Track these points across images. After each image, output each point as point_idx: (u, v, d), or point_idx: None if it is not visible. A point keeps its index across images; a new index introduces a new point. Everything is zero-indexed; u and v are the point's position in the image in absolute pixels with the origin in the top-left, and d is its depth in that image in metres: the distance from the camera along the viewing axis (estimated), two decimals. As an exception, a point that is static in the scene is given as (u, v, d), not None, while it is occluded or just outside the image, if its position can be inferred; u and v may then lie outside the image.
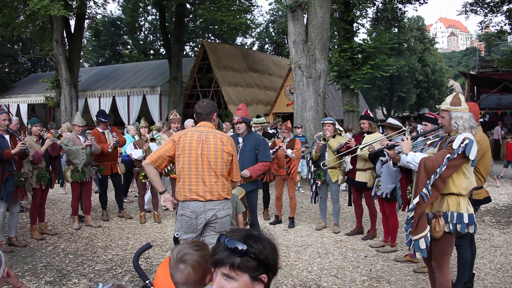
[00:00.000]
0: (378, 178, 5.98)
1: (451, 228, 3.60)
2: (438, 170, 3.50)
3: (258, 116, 8.40)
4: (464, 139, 3.47)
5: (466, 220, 3.58)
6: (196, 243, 2.09)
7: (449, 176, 3.54)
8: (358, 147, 6.02)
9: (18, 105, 25.12)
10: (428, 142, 4.46)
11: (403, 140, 3.95)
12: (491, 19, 22.38)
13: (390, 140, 5.36)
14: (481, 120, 7.51)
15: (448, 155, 3.48)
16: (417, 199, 3.61)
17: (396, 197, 5.55)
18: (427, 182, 3.55)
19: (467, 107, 3.64)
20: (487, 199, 4.84)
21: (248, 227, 4.91)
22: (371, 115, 6.84)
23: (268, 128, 8.32)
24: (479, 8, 21.52)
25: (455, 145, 3.49)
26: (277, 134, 9.70)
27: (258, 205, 7.76)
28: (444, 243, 3.68)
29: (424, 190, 3.55)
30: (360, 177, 6.49)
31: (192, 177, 3.79)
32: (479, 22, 23.29)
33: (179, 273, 1.97)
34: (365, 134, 6.55)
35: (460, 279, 4.45)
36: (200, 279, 1.90)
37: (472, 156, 3.46)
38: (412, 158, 3.78)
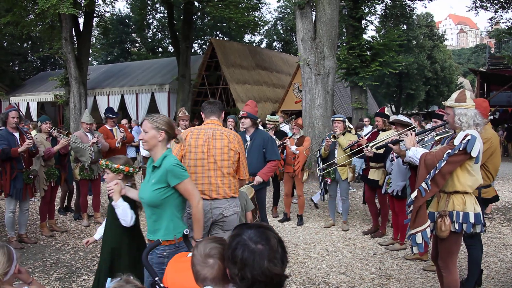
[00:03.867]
0: (388, 176, 5.95)
1: (457, 228, 3.56)
2: (437, 165, 3.48)
3: (273, 114, 8.35)
4: (466, 136, 3.43)
5: (472, 220, 3.53)
6: (216, 238, 2.08)
7: (449, 172, 3.50)
8: (368, 145, 5.98)
9: (27, 103, 25.28)
10: (437, 138, 4.43)
11: (407, 136, 3.94)
12: (501, 15, 22.18)
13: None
14: (491, 117, 7.37)
15: (449, 151, 3.46)
16: (415, 193, 3.60)
17: (407, 195, 5.52)
18: (427, 177, 3.53)
19: (473, 104, 3.60)
20: (496, 198, 4.75)
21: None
22: (386, 112, 6.76)
23: (282, 126, 8.25)
24: (489, 4, 21.31)
25: (456, 141, 3.47)
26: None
27: (267, 202, 7.76)
28: (450, 242, 3.64)
29: (423, 185, 3.54)
30: (373, 175, 6.46)
31: (198, 175, 3.76)
32: (489, 19, 23.01)
33: (209, 268, 1.94)
34: (380, 132, 6.51)
35: (471, 279, 4.42)
36: (226, 273, 1.89)
37: (474, 153, 3.41)
38: (413, 154, 3.76)
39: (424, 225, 3.61)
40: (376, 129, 6.68)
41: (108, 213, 3.54)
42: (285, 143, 7.29)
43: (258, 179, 5.26)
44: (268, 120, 8.29)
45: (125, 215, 3.33)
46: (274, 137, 7.77)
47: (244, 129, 5.61)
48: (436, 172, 3.48)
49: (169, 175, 3.02)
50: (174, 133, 3.21)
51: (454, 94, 3.71)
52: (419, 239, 3.62)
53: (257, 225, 1.83)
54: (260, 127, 7.83)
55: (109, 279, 2.13)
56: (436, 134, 4.80)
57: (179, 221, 3.14)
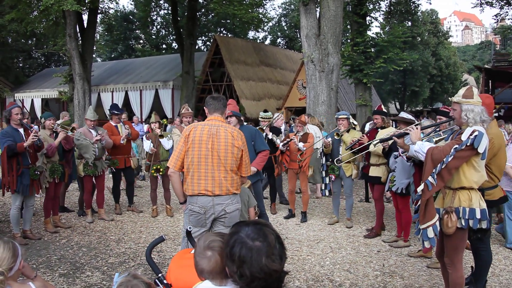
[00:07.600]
0: (392, 173, 5.93)
1: (463, 224, 3.55)
2: (444, 159, 3.47)
3: (265, 111, 8.36)
4: (473, 131, 3.43)
5: (478, 216, 3.53)
6: (221, 234, 2.09)
7: (456, 167, 3.49)
8: (371, 143, 5.97)
9: (32, 99, 25.39)
10: (435, 139, 4.40)
11: (412, 129, 3.92)
12: (507, 12, 22.02)
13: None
14: (496, 114, 7.27)
15: (456, 146, 3.45)
16: (421, 187, 3.59)
17: (410, 192, 5.51)
18: (433, 171, 3.52)
19: (480, 100, 3.59)
20: (503, 199, 4.56)
21: (256, 218, 4.91)
22: (384, 110, 6.78)
23: (273, 123, 8.27)
24: (494, 1, 21.18)
25: (463, 137, 3.46)
26: (290, 129, 9.59)
27: (266, 200, 7.75)
28: (456, 239, 3.64)
29: (430, 179, 3.53)
30: (374, 172, 6.44)
31: (201, 171, 3.76)
32: (495, 15, 22.89)
33: (206, 260, 1.95)
34: (379, 129, 6.50)
35: (480, 280, 4.38)
36: (224, 269, 1.89)
37: (481, 149, 3.41)
38: (420, 147, 3.74)
39: (434, 219, 3.59)
40: (375, 127, 6.66)
41: None
42: (292, 139, 7.28)
43: (252, 169, 5.31)
44: (261, 117, 8.28)
45: None
46: (271, 134, 7.82)
47: None
48: (443, 167, 3.47)
49: None
50: None
51: (461, 90, 3.69)
52: (430, 233, 3.60)
53: (255, 222, 1.84)
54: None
55: (117, 274, 2.14)
56: (441, 131, 4.78)
57: None
